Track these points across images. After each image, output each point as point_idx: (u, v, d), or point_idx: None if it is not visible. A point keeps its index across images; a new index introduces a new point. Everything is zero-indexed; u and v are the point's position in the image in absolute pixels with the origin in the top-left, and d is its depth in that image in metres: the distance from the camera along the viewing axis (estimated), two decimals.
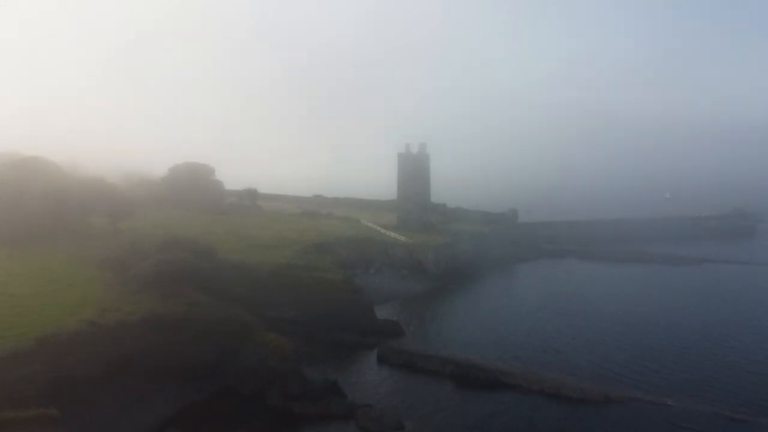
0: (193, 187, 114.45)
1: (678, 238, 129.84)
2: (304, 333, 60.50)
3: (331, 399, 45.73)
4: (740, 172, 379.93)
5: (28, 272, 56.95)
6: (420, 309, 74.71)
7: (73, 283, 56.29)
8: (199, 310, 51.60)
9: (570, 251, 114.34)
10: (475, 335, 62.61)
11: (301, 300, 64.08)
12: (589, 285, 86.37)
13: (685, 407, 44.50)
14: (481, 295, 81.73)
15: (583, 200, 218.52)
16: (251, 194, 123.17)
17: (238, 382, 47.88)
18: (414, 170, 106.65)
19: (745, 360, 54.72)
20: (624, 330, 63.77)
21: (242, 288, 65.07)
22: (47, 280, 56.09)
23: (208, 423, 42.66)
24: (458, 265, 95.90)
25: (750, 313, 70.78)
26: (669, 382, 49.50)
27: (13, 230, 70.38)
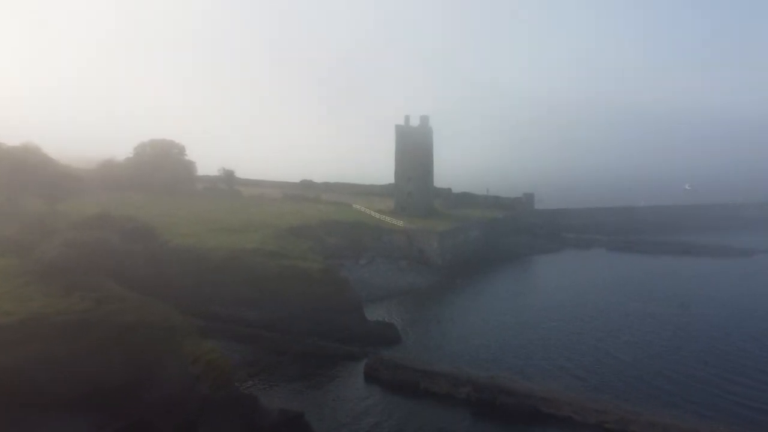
0: (159, 168, 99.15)
1: (715, 228, 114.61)
2: (268, 340, 45.20)
3: None
4: (760, 169, 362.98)
5: None
6: (422, 309, 59.14)
7: None
8: (107, 308, 36.18)
9: (596, 241, 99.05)
10: (494, 345, 47.31)
11: (265, 296, 48.77)
12: (630, 282, 70.56)
13: None
14: (498, 292, 66.18)
15: (596, 193, 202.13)
16: (228, 176, 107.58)
17: (155, 414, 32.45)
18: (414, 146, 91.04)
19: None
20: (694, 337, 48.52)
21: (190, 280, 49.84)
22: None
23: None
24: (467, 255, 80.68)
25: None
26: None
27: None
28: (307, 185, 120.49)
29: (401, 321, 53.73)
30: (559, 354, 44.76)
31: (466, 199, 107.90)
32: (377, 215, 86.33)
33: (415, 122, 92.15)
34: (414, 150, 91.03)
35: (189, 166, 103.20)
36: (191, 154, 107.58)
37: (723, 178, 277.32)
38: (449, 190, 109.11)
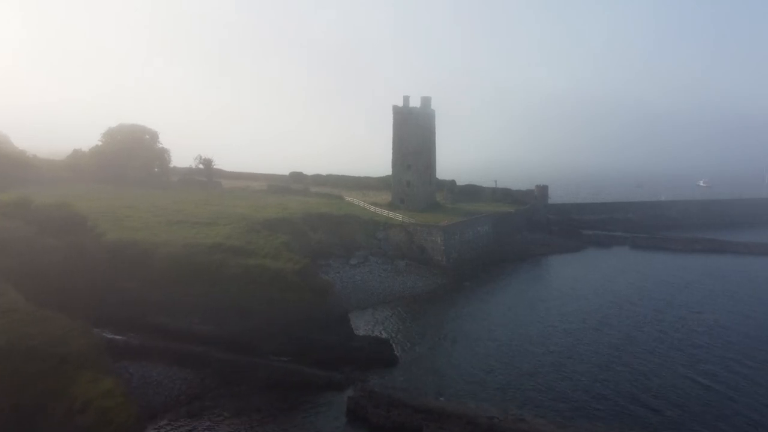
0: (129, 156, 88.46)
1: (744, 224, 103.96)
2: (222, 363, 34.45)
3: None
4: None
5: None
6: (423, 319, 48.32)
7: None
8: None
9: (618, 238, 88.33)
10: (517, 369, 36.61)
11: (222, 305, 38.01)
12: (669, 285, 59.70)
13: None
14: (515, 299, 55.24)
15: (603, 191, 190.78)
16: (206, 166, 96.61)
17: None
18: (414, 130, 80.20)
19: None
20: None
21: (129, 282, 39.19)
22: None
23: None
24: (475, 254, 70.01)
25: None
26: None
27: None
28: (296, 177, 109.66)
29: (398, 335, 42.99)
30: (609, 381, 34.13)
31: (471, 191, 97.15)
32: (372, 208, 75.65)
33: (415, 104, 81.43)
34: (414, 134, 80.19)
35: (163, 154, 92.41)
36: (173, 146, 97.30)
37: (738, 174, 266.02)
38: (453, 182, 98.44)
